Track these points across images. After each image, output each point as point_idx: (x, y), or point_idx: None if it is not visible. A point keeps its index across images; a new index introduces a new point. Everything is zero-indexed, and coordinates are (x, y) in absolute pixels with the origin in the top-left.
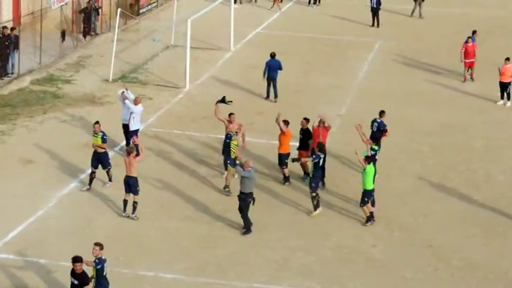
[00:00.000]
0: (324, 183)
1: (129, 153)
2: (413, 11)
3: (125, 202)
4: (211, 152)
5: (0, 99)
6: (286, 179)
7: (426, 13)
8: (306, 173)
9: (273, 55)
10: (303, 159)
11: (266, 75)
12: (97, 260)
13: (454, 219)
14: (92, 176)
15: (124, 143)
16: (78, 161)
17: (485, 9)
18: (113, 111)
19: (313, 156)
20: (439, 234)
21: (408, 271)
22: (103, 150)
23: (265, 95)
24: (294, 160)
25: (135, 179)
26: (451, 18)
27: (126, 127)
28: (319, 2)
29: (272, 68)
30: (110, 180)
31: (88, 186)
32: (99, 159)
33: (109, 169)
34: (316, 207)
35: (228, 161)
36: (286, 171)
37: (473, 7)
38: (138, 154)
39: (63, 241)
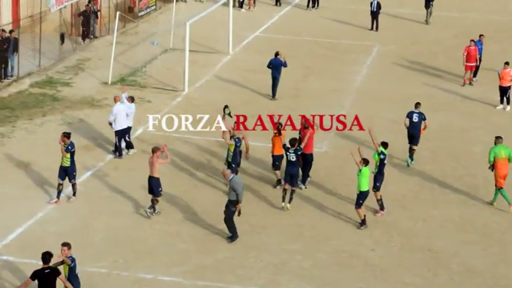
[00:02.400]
0: (304, 182)
1: (153, 152)
2: (427, 17)
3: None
4: (210, 155)
5: (0, 102)
6: (278, 181)
7: (424, 17)
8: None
9: (276, 54)
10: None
11: (270, 75)
12: (71, 257)
13: (452, 224)
14: (59, 189)
15: (123, 145)
16: (77, 164)
17: (483, 13)
18: None
19: (284, 145)
20: (438, 239)
21: (407, 276)
22: (67, 165)
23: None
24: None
25: (156, 179)
26: (449, 22)
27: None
28: (317, 5)
29: (274, 67)
30: (74, 194)
31: (56, 199)
32: (66, 172)
33: (74, 183)
34: (282, 199)
35: (233, 165)
36: (278, 173)
37: (471, 11)
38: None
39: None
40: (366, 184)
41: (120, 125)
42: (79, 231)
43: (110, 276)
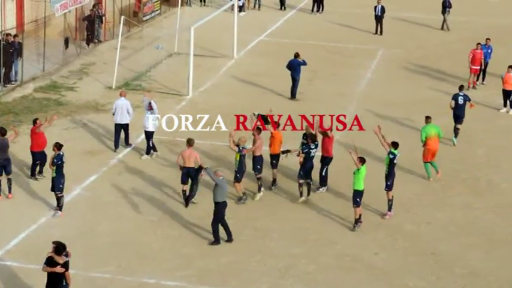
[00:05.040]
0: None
1: (190, 145)
2: (443, 23)
3: (184, 192)
4: (215, 160)
5: (4, 107)
6: (273, 182)
7: (429, 21)
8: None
9: (296, 55)
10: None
11: (290, 76)
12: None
13: (456, 227)
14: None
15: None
16: (80, 168)
17: (488, 17)
18: None
19: (303, 147)
20: (441, 242)
21: (411, 279)
22: (53, 175)
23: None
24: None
25: (194, 168)
26: (454, 26)
27: (146, 133)
28: (322, 9)
29: (292, 68)
30: (59, 208)
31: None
32: (53, 182)
33: (59, 196)
34: (301, 194)
35: (238, 174)
36: (275, 172)
37: (476, 16)
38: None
39: None
40: (362, 183)
41: (115, 119)
42: (83, 236)
43: (113, 281)
